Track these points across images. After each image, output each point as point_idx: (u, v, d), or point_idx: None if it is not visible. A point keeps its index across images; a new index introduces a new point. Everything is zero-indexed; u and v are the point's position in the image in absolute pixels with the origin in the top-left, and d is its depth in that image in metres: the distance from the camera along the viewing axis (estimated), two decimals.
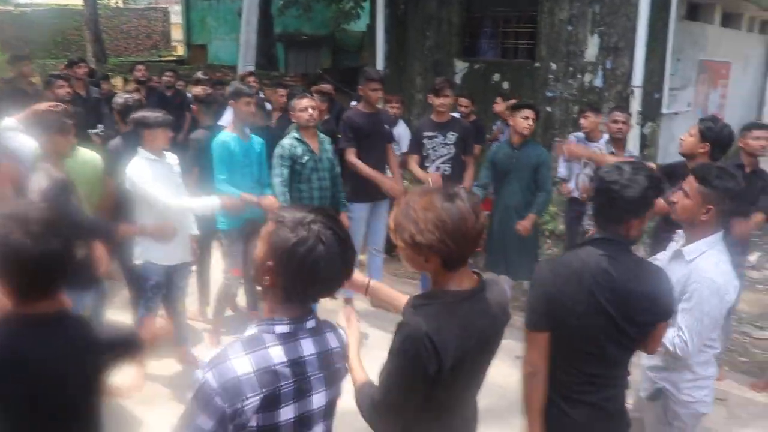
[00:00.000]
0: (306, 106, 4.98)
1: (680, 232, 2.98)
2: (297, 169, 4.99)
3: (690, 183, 2.82)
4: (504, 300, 2.12)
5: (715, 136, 3.93)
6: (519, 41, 9.94)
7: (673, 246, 3.00)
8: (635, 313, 2.33)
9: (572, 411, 2.43)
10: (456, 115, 6.45)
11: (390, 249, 7.34)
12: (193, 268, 5.29)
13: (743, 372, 5.23)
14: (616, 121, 5.72)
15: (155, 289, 4.54)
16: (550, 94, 9.26)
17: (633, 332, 2.35)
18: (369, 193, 5.62)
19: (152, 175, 4.29)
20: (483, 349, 2.03)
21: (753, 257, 7.57)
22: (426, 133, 5.77)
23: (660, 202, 3.58)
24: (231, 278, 5.15)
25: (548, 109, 9.20)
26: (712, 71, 11.06)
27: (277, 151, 4.98)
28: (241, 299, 5.74)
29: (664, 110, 8.78)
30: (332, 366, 1.87)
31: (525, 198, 5.21)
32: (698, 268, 2.75)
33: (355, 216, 5.59)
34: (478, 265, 5.27)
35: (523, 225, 5.13)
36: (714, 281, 2.69)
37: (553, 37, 9.22)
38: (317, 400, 1.82)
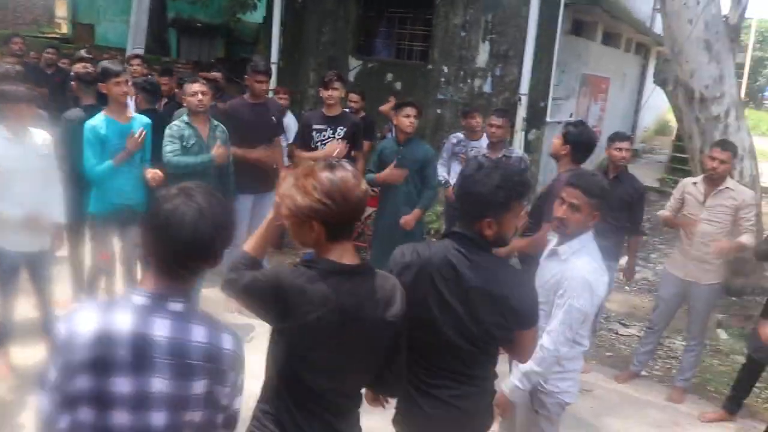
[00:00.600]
0: (196, 91, 4.96)
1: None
2: (182, 153, 4.93)
3: (577, 197, 2.96)
4: (391, 298, 2.06)
5: (575, 139, 4.19)
6: (414, 43, 10.10)
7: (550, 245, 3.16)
8: (482, 314, 2.31)
9: (423, 402, 2.44)
10: (347, 110, 6.48)
11: (279, 241, 7.27)
12: (64, 254, 5.02)
13: (609, 365, 5.54)
14: (492, 125, 5.94)
15: (8, 275, 4.23)
16: (441, 97, 9.47)
17: (480, 332, 2.33)
18: (253, 184, 5.57)
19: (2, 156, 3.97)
20: (347, 332, 1.97)
21: (623, 260, 8.04)
22: (315, 126, 5.75)
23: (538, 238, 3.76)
24: (100, 263, 4.93)
25: (438, 111, 9.41)
26: (593, 85, 11.66)
27: (167, 131, 4.95)
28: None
29: (548, 119, 9.17)
30: (186, 359, 1.70)
31: (410, 195, 5.29)
32: (571, 265, 2.92)
33: (240, 207, 5.51)
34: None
35: (407, 219, 5.20)
36: (586, 278, 2.86)
37: (446, 41, 9.42)
38: (159, 384, 1.68)
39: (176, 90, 6.96)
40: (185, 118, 5.02)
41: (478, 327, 2.32)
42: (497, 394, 2.93)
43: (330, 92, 5.67)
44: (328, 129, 5.73)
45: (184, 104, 5.03)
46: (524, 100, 8.77)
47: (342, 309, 1.94)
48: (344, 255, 2.00)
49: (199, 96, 4.92)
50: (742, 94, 20.08)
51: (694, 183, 4.99)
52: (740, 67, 16.07)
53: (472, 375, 2.45)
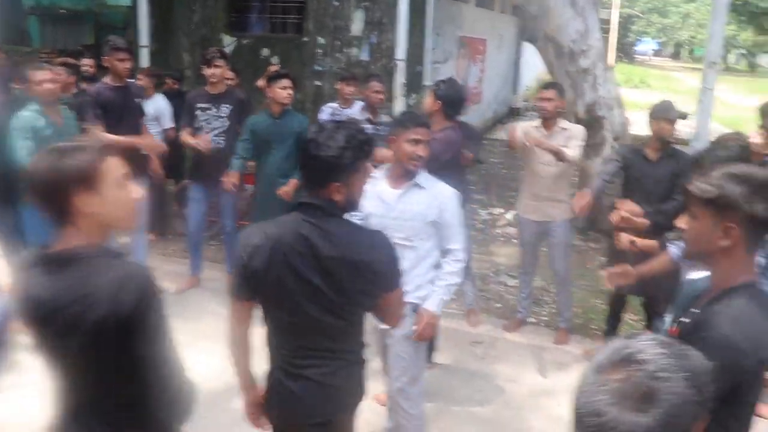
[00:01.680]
0: (43, 79, 4.65)
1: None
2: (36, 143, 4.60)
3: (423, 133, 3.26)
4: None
5: (444, 94, 4.26)
6: (288, 16, 9.91)
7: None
8: (346, 283, 2.24)
9: (293, 385, 2.37)
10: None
11: (162, 229, 7.03)
12: None
13: (499, 317, 5.69)
14: (375, 91, 5.90)
15: None
16: (318, 68, 9.36)
17: (345, 303, 2.28)
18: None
19: None
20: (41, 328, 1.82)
21: (510, 215, 8.30)
22: (199, 105, 5.61)
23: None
24: None
25: (317, 83, 9.30)
26: (471, 47, 11.85)
27: (16, 123, 4.57)
28: None
29: (426, 82, 9.23)
30: None
31: (288, 166, 5.20)
32: (439, 190, 3.27)
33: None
34: None
35: (285, 190, 5.12)
36: (455, 193, 3.31)
37: (320, 12, 9.31)
38: None
39: None
40: (35, 106, 4.66)
41: (342, 298, 2.26)
42: (423, 312, 3.28)
43: (212, 70, 5.51)
44: (213, 107, 5.60)
45: (31, 93, 4.67)
46: (401, 65, 8.75)
47: (38, 302, 1.78)
48: (66, 240, 1.83)
49: (48, 84, 4.62)
50: (614, 50, 21.02)
51: (535, 126, 5.12)
52: (608, 23, 16.72)
53: (341, 349, 2.40)
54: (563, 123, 5.02)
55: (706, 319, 1.86)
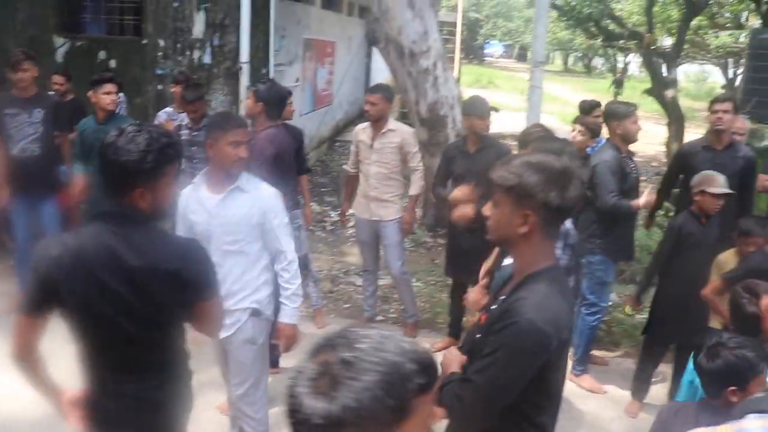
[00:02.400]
0: None
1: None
2: None
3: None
4: None
5: (265, 96, 4.28)
6: (125, 17, 9.46)
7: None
8: (157, 294, 2.15)
9: (112, 405, 2.24)
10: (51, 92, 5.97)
11: None
12: None
13: (347, 317, 5.73)
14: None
15: None
16: (160, 72, 9.00)
17: (155, 312, 2.18)
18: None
19: None
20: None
21: None
22: (8, 111, 5.20)
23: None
24: None
25: (159, 87, 8.94)
26: (318, 49, 11.87)
27: None
28: None
29: None
30: None
31: None
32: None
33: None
34: None
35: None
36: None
37: (159, 13, 8.94)
38: None
39: None
40: None
41: (154, 308, 2.17)
42: (281, 328, 3.28)
43: (19, 75, 5.17)
44: (23, 113, 5.23)
45: None
46: (245, 68, 8.64)
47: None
48: None
49: None
50: (460, 52, 21.84)
51: (363, 129, 5.28)
52: (454, 26, 17.34)
53: (161, 361, 2.29)
54: (391, 124, 5.18)
55: (511, 306, 1.94)
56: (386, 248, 5.32)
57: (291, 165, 4.74)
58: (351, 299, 6.16)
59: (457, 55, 15.97)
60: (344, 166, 5.57)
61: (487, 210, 2.09)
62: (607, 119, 4.86)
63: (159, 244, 2.19)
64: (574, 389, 4.70)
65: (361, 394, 1.08)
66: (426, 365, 1.16)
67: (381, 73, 19.62)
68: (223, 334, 3.09)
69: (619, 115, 4.74)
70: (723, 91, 14.84)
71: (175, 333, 2.33)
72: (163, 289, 2.15)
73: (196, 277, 2.21)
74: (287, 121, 5.01)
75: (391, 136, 5.10)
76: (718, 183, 4.14)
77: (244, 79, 8.61)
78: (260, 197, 3.22)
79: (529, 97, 6.48)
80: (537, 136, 3.81)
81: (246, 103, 4.37)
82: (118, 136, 2.12)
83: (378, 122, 5.07)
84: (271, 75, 9.02)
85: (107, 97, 4.95)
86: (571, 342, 2.52)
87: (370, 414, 1.08)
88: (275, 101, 4.25)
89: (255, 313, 3.29)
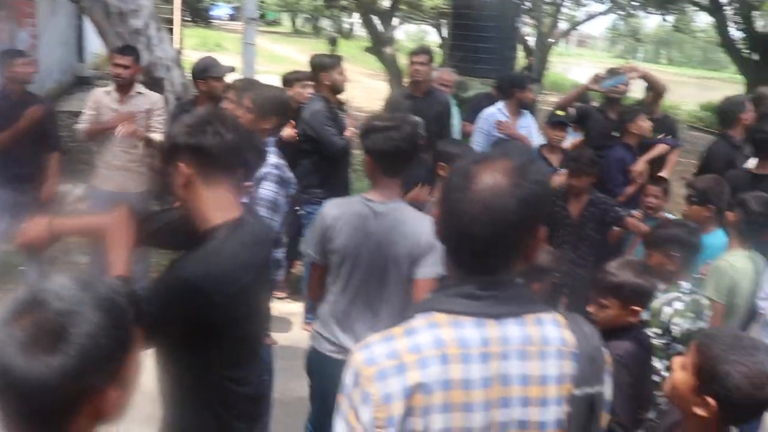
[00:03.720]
0: None
1: None
2: None
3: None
4: None
5: None
6: None
7: None
8: None
9: None
10: None
11: None
12: None
13: None
14: None
15: None
16: None
17: None
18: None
19: None
20: None
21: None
22: None
23: None
24: None
25: None
26: (15, 9, 10.69)
27: None
28: None
29: None
30: None
31: None
32: None
33: None
34: None
35: None
36: None
37: None
38: None
39: None
40: None
41: None
42: None
43: None
44: None
45: None
46: None
47: None
48: None
49: None
50: (186, 15, 21.03)
51: (107, 92, 5.00)
52: None
53: None
54: (139, 88, 5.06)
55: (175, 262, 1.91)
56: None
57: None
58: None
59: (177, 15, 15.33)
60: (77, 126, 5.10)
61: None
62: (315, 71, 5.07)
63: None
64: None
65: (93, 335, 1.07)
66: (131, 297, 1.20)
67: (96, 38, 18.24)
68: None
69: (325, 66, 4.97)
70: (440, 49, 16.11)
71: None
72: None
73: None
74: None
75: (140, 99, 5.01)
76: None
77: None
78: None
79: (243, 54, 6.50)
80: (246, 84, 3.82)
81: None
82: None
83: (126, 86, 4.95)
84: None
85: None
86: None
87: (106, 354, 1.08)
88: None
89: None
